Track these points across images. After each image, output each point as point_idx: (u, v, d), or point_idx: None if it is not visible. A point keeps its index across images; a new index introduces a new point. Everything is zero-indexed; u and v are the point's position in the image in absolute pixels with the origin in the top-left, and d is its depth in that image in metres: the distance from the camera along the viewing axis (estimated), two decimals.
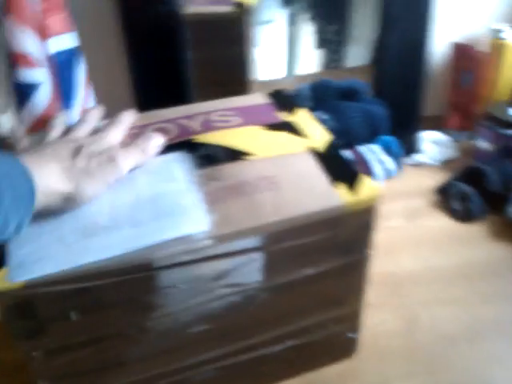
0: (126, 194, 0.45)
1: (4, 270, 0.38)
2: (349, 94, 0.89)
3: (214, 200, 0.45)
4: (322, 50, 1.14)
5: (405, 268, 0.74)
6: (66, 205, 0.43)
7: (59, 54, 0.67)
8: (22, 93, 0.64)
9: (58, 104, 0.67)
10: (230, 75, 0.90)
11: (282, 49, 1.16)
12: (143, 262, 0.40)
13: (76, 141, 0.47)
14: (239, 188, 0.46)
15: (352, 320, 0.56)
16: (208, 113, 0.58)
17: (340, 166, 0.49)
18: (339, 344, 0.58)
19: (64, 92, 0.68)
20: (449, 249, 0.77)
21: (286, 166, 0.49)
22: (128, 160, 0.47)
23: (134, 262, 0.40)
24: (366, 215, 0.47)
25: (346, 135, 0.83)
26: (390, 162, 0.85)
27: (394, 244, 0.78)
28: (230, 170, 0.48)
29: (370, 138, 0.86)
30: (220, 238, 0.42)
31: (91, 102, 0.73)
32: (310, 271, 0.48)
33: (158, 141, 0.51)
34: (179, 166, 0.49)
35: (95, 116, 0.52)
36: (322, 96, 0.88)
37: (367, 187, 0.46)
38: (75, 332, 0.42)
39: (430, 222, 0.82)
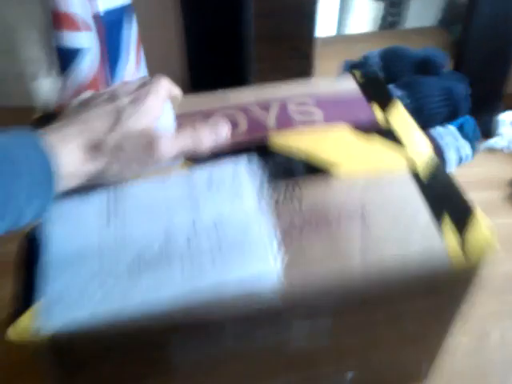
0: (185, 212, 0.38)
1: (31, 312, 0.32)
2: (424, 66, 0.79)
3: (288, 232, 0.37)
4: (379, 5, 1.04)
5: None
6: (93, 183, 0.38)
7: (108, 13, 0.58)
8: (66, 58, 0.56)
9: (104, 70, 0.59)
10: (294, 30, 0.81)
11: (332, 3, 1.06)
12: (190, 317, 0.34)
13: (117, 105, 0.38)
14: (320, 217, 0.38)
15: (431, 353, 0.50)
16: (284, 100, 0.49)
17: (447, 197, 0.40)
18: (410, 372, 0.53)
19: (112, 56, 0.60)
20: None
21: (379, 190, 0.40)
22: (172, 147, 0.39)
23: (181, 315, 0.34)
24: (476, 271, 0.39)
25: (419, 115, 0.74)
26: (465, 148, 0.76)
27: None
28: (311, 189, 0.40)
29: (447, 120, 0.76)
30: (292, 295, 0.35)
31: (142, 68, 0.65)
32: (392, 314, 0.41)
33: (223, 130, 0.42)
34: (249, 177, 0.41)
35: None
36: (393, 67, 0.78)
37: (480, 232, 0.37)
38: (112, 372, 0.37)
39: (505, 220, 0.75)
